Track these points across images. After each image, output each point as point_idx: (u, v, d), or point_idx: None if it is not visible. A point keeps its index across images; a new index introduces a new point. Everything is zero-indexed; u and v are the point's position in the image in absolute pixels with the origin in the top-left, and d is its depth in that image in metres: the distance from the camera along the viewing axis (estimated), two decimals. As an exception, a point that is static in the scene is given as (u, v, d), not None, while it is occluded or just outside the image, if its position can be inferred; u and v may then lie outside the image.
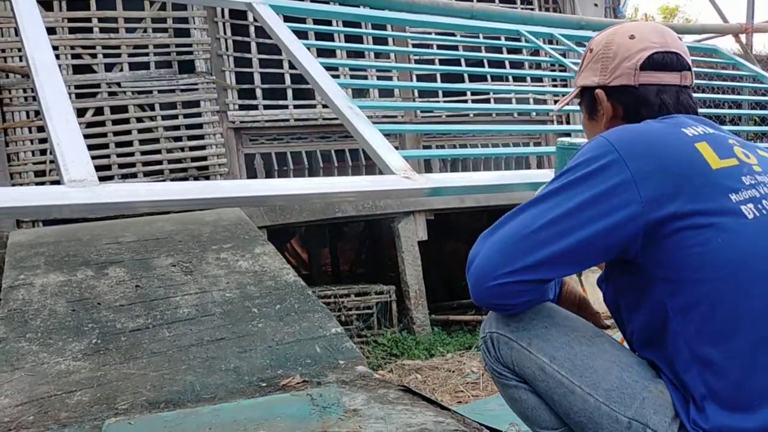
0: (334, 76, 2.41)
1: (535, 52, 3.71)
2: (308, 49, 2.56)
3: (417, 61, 6.44)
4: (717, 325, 1.11)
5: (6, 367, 2.92)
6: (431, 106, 3.37)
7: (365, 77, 6.44)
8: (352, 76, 6.31)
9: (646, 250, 1.14)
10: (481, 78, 6.85)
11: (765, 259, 1.12)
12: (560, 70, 4.31)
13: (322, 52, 5.00)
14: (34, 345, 3.10)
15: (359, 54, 6.48)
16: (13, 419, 2.58)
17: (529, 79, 6.93)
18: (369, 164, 6.46)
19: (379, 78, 6.51)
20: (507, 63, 6.54)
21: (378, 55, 6.67)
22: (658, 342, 1.18)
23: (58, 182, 1.54)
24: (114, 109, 5.63)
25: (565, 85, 6.70)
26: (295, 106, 6.27)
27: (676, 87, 1.31)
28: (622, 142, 1.17)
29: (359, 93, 7.26)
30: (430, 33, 6.39)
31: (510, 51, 6.07)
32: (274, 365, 2.99)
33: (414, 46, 6.44)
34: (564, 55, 3.48)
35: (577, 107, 1.48)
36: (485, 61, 6.59)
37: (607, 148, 1.17)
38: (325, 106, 6.22)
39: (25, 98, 5.35)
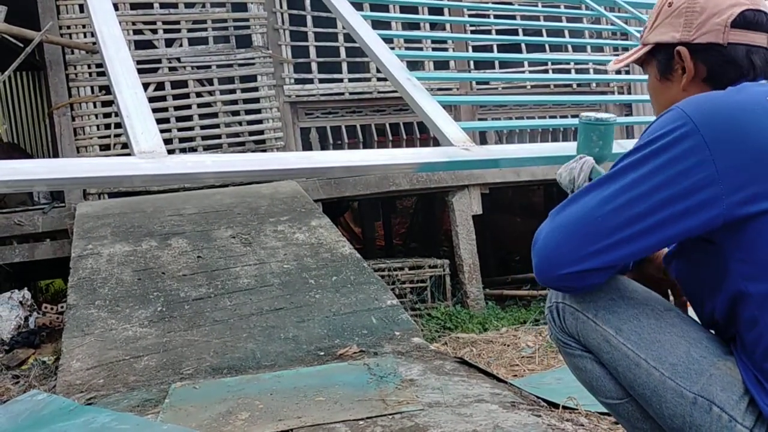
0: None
1: (596, 19, 3.58)
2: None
3: (473, 32, 6.33)
4: None
5: (77, 332, 3.06)
6: (487, 77, 3.32)
7: (420, 48, 6.37)
8: (407, 48, 6.26)
9: (726, 232, 1.07)
10: (539, 47, 6.68)
11: None
12: (622, 39, 4.17)
13: (376, 24, 4.97)
14: (102, 312, 3.23)
15: (414, 25, 6.41)
16: (84, 382, 2.71)
17: (589, 48, 6.73)
18: (423, 138, 6.42)
19: (434, 49, 6.43)
20: (566, 32, 6.37)
21: (433, 25, 6.58)
22: (737, 325, 1.12)
23: (123, 155, 1.58)
24: (174, 84, 5.76)
25: (627, 55, 6.45)
26: (350, 80, 6.27)
27: (764, 49, 1.21)
28: (702, 115, 1.08)
29: (413, 65, 7.20)
30: (486, 2, 6.26)
31: (569, 19, 5.90)
32: (332, 335, 3.05)
33: (470, 15, 6.33)
34: (627, 23, 3.35)
35: (637, 76, 1.37)
36: (543, 30, 6.42)
37: (684, 121, 1.08)
38: (380, 80, 6.19)
39: (90, 74, 5.51)
